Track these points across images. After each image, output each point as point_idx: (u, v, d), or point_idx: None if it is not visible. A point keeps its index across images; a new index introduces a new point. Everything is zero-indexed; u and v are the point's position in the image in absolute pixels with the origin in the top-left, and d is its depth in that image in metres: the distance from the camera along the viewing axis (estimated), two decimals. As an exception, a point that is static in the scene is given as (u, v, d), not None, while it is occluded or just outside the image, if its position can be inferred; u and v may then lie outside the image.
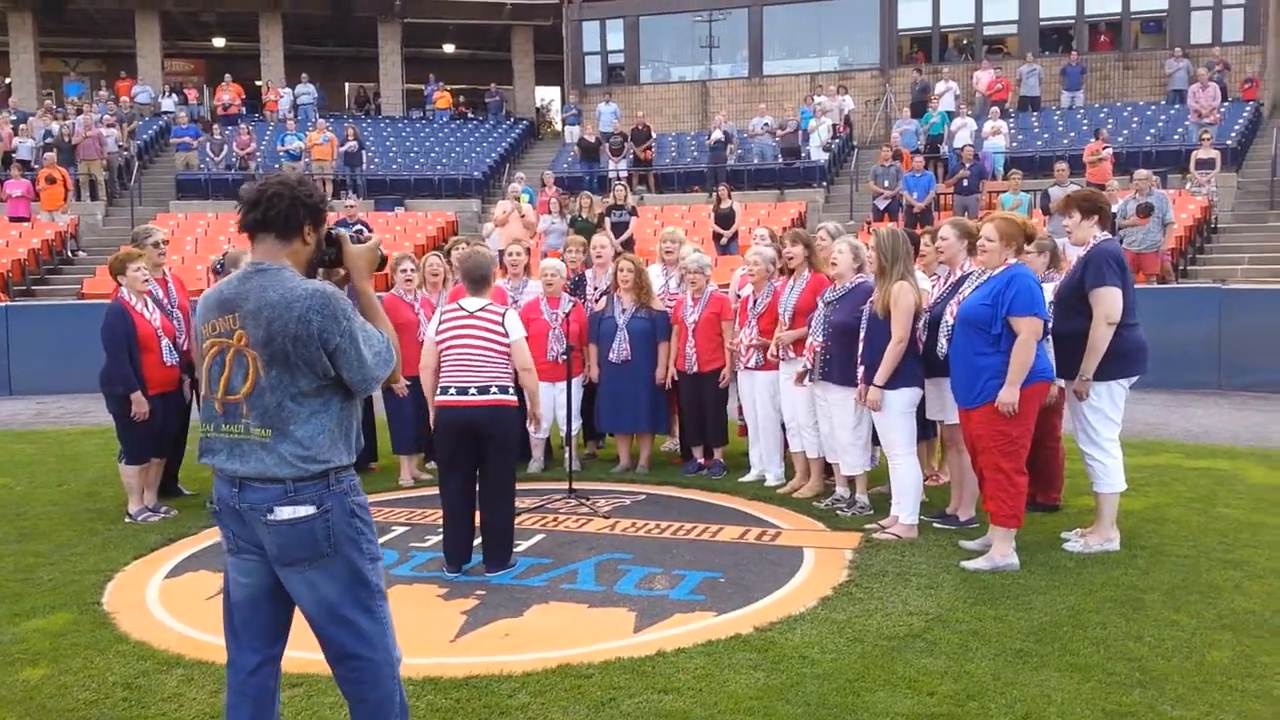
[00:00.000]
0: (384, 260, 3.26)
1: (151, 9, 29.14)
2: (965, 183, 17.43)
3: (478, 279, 5.77)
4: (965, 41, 25.85)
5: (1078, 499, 6.72)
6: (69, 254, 19.39)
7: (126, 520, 6.81)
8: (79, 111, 23.03)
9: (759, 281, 7.35)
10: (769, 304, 7.25)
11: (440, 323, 5.71)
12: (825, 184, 21.53)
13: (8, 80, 29.11)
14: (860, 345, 6.12)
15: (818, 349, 6.53)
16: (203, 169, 22.85)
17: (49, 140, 21.50)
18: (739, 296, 7.64)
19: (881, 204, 17.84)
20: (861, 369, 6.11)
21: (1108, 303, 5.62)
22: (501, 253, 9.41)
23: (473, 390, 5.50)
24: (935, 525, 6.33)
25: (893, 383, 5.98)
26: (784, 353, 7.08)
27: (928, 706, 3.91)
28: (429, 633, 4.79)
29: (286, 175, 3.18)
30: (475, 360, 5.54)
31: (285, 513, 2.98)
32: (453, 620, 4.95)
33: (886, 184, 17.85)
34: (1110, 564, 5.54)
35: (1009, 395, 5.21)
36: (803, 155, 21.77)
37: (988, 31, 25.35)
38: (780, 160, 21.80)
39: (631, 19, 27.24)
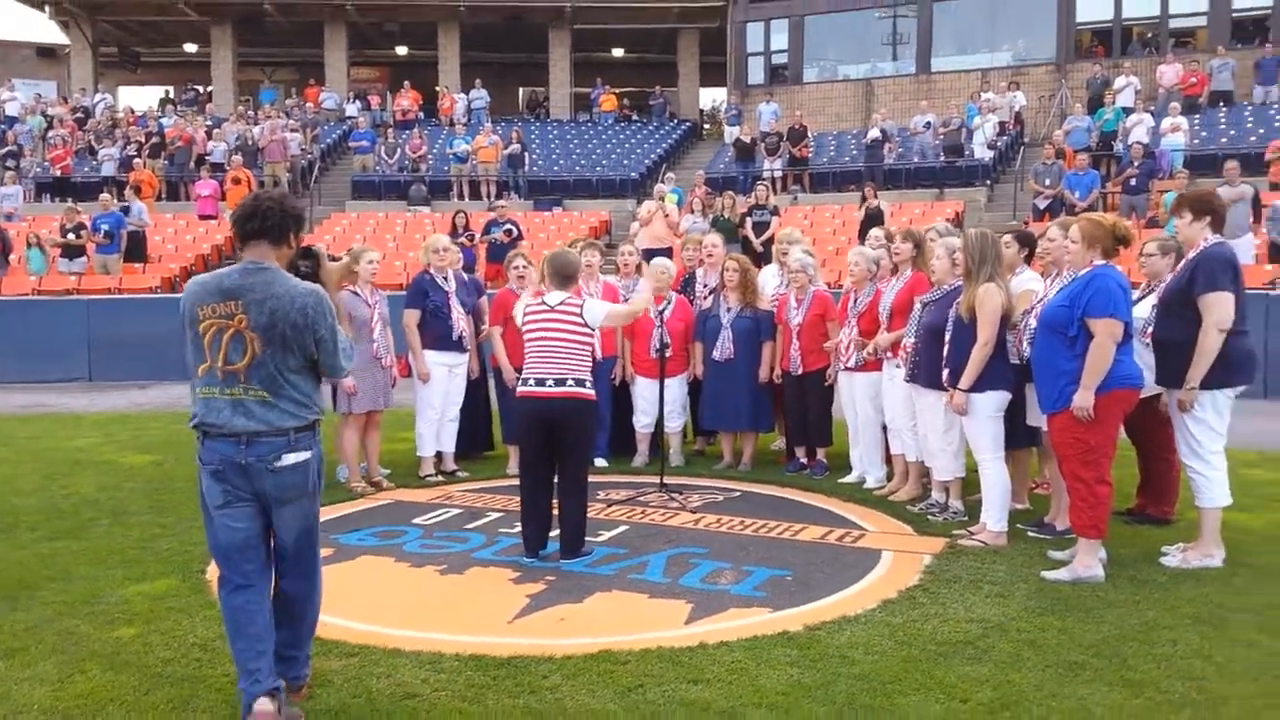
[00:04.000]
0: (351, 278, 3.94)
1: (339, 20, 30.85)
2: (1134, 181, 16.54)
3: (565, 276, 5.95)
4: (1149, 35, 24.48)
5: (1192, 512, 6.34)
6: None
7: (252, 497, 7.31)
8: (267, 118, 24.61)
9: (859, 281, 7.26)
10: (869, 304, 7.16)
11: (524, 317, 5.92)
12: (989, 183, 20.84)
13: (208, 88, 31.38)
14: (946, 348, 5.98)
15: (909, 351, 6.41)
16: (377, 171, 24.05)
17: (238, 143, 23.07)
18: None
19: (1042, 203, 17.14)
20: (946, 372, 5.97)
21: (1219, 309, 5.32)
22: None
23: (550, 381, 5.68)
24: (1030, 534, 6.12)
25: (979, 386, 5.82)
26: (884, 353, 6.98)
27: (957, 713, 3.83)
28: (489, 613, 4.98)
29: (275, 192, 3.86)
30: (554, 352, 5.72)
31: (289, 459, 3.70)
32: (516, 603, 5.13)
33: (1048, 183, 17.14)
34: (1204, 581, 5.24)
35: (1083, 399, 5.00)
36: (966, 153, 21.14)
37: (1174, 24, 23.93)
38: (941, 158, 21.23)
39: (796, 19, 27.05)
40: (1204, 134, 20.31)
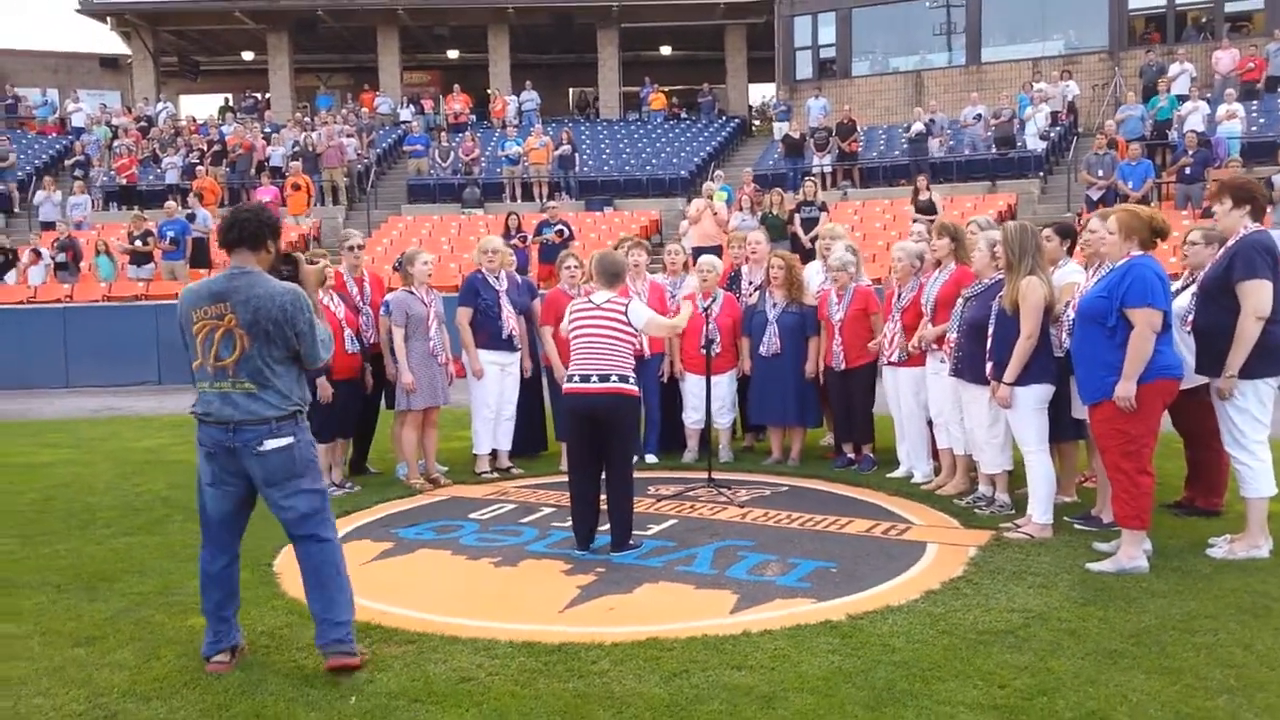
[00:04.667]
0: (324, 280, 4.61)
1: (391, 25, 31.34)
2: (1188, 170, 16.32)
3: (612, 275, 6.12)
4: (1205, 19, 24.05)
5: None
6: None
7: (314, 493, 7.55)
8: (324, 123, 25.10)
9: (903, 276, 7.33)
10: (913, 298, 7.23)
11: (570, 315, 6.09)
12: (1041, 174, 20.66)
13: (266, 95, 32.04)
14: (989, 341, 6.04)
15: (953, 345, 6.48)
16: (431, 174, 24.42)
17: (296, 149, 23.57)
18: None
19: (1095, 194, 16.98)
20: (990, 365, 6.03)
21: (1258, 296, 5.33)
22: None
23: (594, 378, 5.85)
24: (1076, 526, 6.16)
25: (1023, 379, 5.87)
26: (928, 347, 7.04)
27: (994, 699, 3.92)
28: (541, 603, 5.16)
29: (253, 205, 4.42)
30: (598, 349, 5.89)
31: (270, 444, 4.17)
32: (567, 593, 5.30)
33: (1100, 173, 16.98)
34: (1250, 571, 5.26)
35: (1125, 389, 5.05)
36: (1018, 144, 20.96)
37: (1230, 8, 23.50)
38: (993, 150, 21.07)
39: (844, 11, 26.95)
40: (1261, 120, 19.93)
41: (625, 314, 5.92)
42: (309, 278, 4.46)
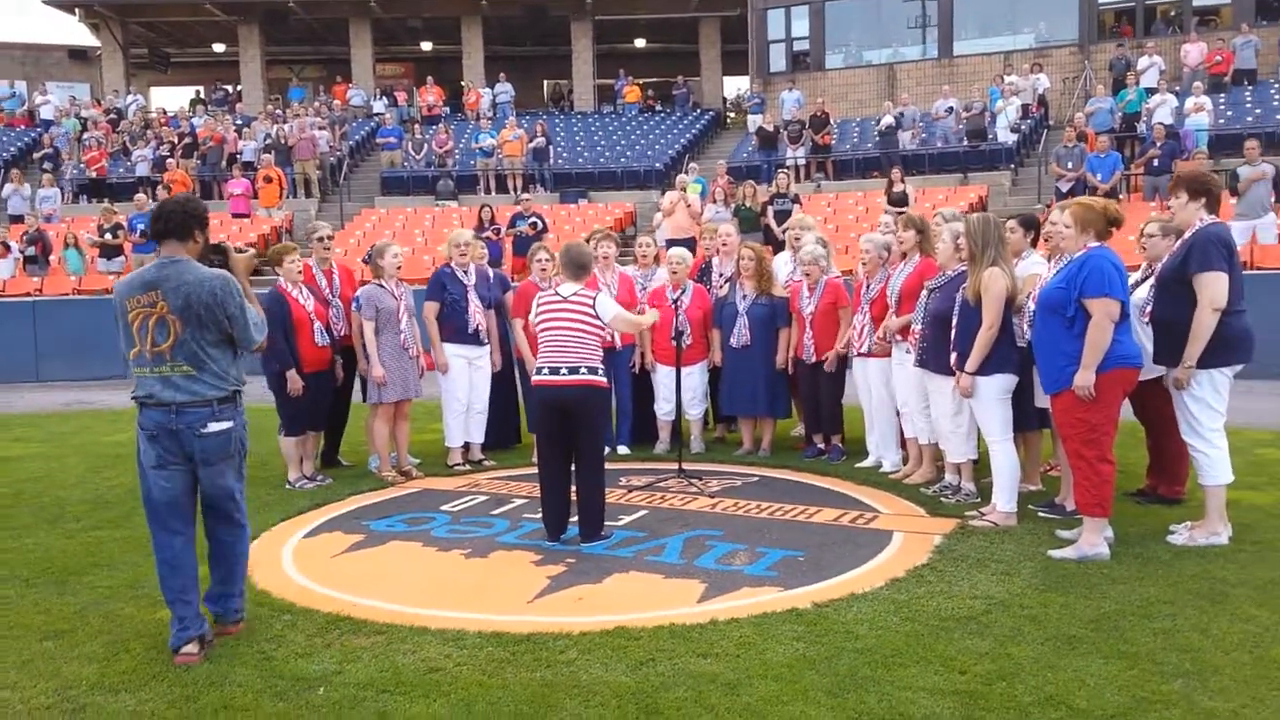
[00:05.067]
0: (266, 263, 4.81)
1: (364, 16, 31.18)
2: (1156, 163, 16.51)
3: (578, 266, 6.14)
4: (1173, 13, 24.30)
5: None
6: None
7: (286, 487, 7.56)
8: (296, 116, 24.96)
9: (871, 268, 7.40)
10: (880, 290, 7.30)
11: (538, 307, 6.12)
12: (1013, 167, 20.82)
13: (238, 88, 31.82)
14: (953, 332, 6.11)
15: (918, 336, 6.55)
16: (405, 167, 24.33)
17: (268, 142, 23.42)
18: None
19: (1064, 186, 17.10)
20: (955, 355, 6.11)
21: (1214, 288, 5.42)
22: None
23: (564, 370, 5.89)
24: (1040, 514, 6.25)
25: (985, 369, 5.95)
26: (893, 338, 7.12)
27: (955, 684, 3.99)
28: (511, 593, 5.20)
29: (179, 196, 4.69)
30: (567, 342, 5.92)
31: (214, 426, 4.40)
32: (536, 583, 5.34)
33: (1069, 165, 17.12)
34: (1209, 558, 5.36)
35: (1084, 378, 5.13)
36: (989, 137, 21.11)
37: (1198, 2, 23.74)
38: (964, 143, 21.21)
39: (817, 4, 27.03)
40: (1229, 113, 20.18)
41: (593, 307, 5.95)
42: (238, 265, 4.65)
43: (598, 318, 5.95)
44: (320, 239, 8.15)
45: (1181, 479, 6.56)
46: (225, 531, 4.65)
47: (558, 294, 6.07)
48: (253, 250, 4.93)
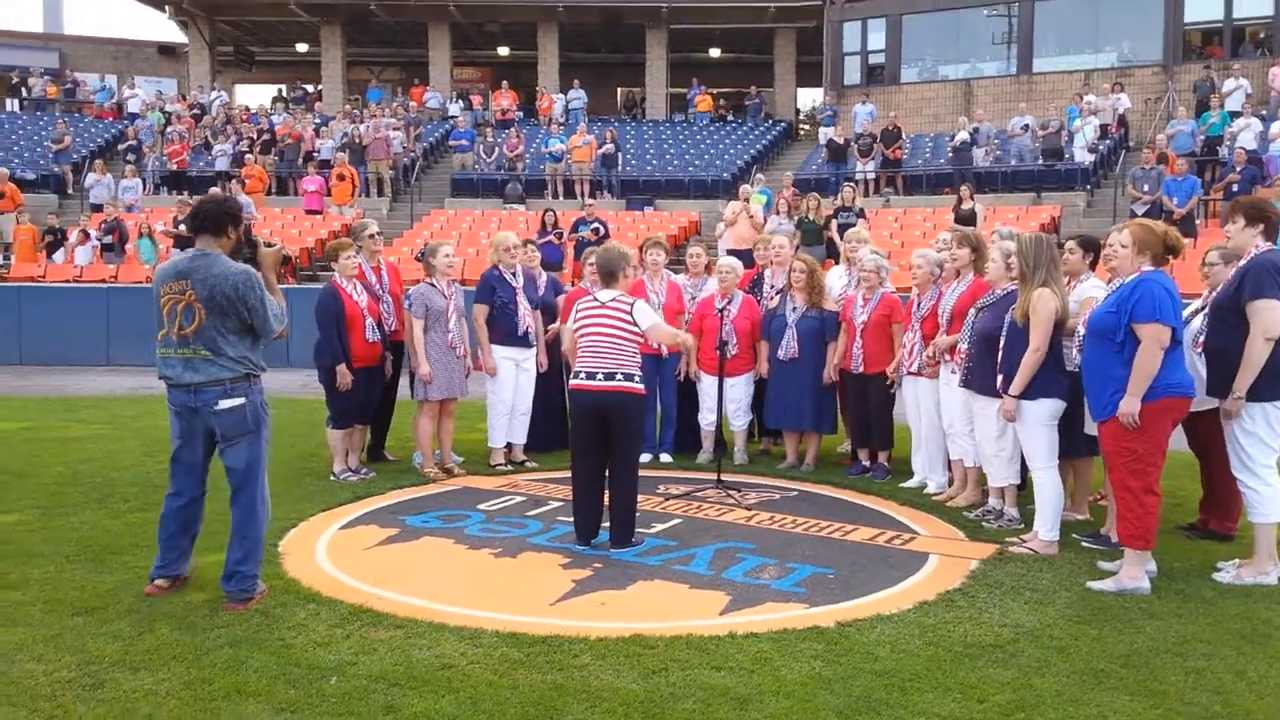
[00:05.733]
0: (286, 259, 5.30)
1: (442, 20, 31.61)
2: (1235, 187, 16.02)
3: (608, 273, 6.15)
4: (1263, 35, 23.59)
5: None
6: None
7: (330, 479, 7.66)
8: (372, 117, 25.38)
9: (923, 284, 7.27)
10: (931, 307, 7.17)
11: (576, 313, 6.12)
12: (1088, 187, 20.37)
13: (319, 87, 32.46)
14: (1000, 353, 5.98)
15: (964, 355, 6.43)
16: (476, 170, 24.59)
17: (344, 141, 23.84)
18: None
19: (1140, 209, 16.70)
20: (1000, 378, 5.97)
21: (1268, 317, 5.24)
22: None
23: (600, 375, 5.88)
24: (1084, 544, 6.08)
25: (1031, 393, 5.80)
26: (941, 357, 6.99)
27: (971, 712, 3.89)
28: (534, 595, 5.20)
29: (218, 195, 4.92)
30: (604, 347, 5.92)
31: (225, 403, 4.83)
32: (561, 586, 5.33)
33: (1146, 188, 16.71)
34: (1254, 598, 5.16)
35: (1129, 405, 4.97)
36: (1065, 156, 20.69)
37: (1290, 23, 23.03)
38: (1040, 162, 20.81)
39: (894, 18, 26.77)
40: (1318, 139, 19.48)
41: (630, 313, 5.94)
42: (265, 259, 5.06)
43: (635, 325, 5.93)
44: (370, 235, 8.26)
45: (1234, 515, 6.33)
46: (244, 506, 4.96)
47: (596, 299, 6.08)
48: (280, 244, 5.25)
